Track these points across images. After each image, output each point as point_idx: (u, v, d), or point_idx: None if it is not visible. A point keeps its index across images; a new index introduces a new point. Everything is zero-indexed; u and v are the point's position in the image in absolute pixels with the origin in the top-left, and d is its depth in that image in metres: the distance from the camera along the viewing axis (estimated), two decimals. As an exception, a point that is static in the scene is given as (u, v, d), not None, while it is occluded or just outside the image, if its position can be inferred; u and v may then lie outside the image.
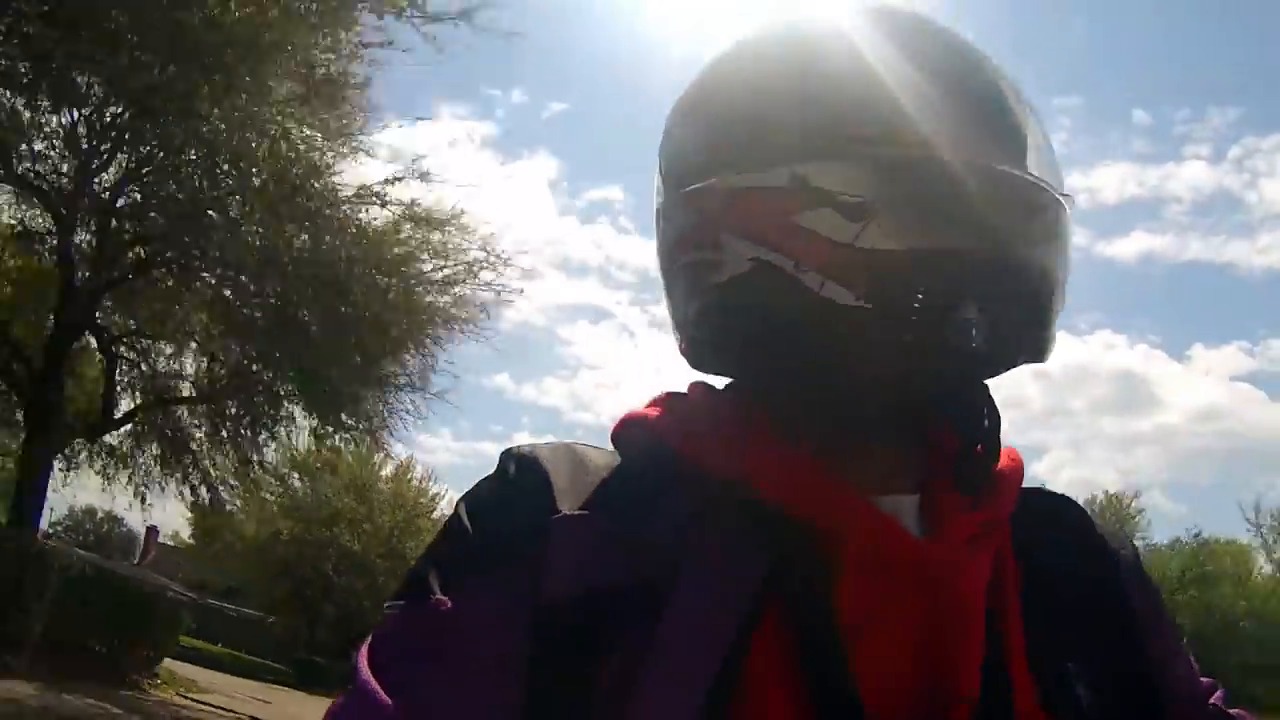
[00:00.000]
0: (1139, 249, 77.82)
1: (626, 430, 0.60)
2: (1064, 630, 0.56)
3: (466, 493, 0.58)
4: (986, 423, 0.58)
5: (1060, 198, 0.55)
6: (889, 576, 0.52)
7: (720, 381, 0.63)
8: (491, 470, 0.59)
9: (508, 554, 0.52)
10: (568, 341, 76.65)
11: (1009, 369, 0.57)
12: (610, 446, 0.61)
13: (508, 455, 0.58)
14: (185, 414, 12.50)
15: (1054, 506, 0.64)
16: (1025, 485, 0.61)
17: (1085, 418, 74.44)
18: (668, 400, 0.61)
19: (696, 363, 0.63)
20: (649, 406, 0.61)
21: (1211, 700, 0.61)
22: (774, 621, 0.51)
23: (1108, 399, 73.64)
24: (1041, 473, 71.22)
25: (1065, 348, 0.55)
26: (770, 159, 0.53)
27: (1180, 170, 75.62)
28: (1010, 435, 0.60)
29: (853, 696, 0.49)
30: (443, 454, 67.01)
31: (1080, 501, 0.65)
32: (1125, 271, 77.72)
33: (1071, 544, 0.61)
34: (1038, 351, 0.56)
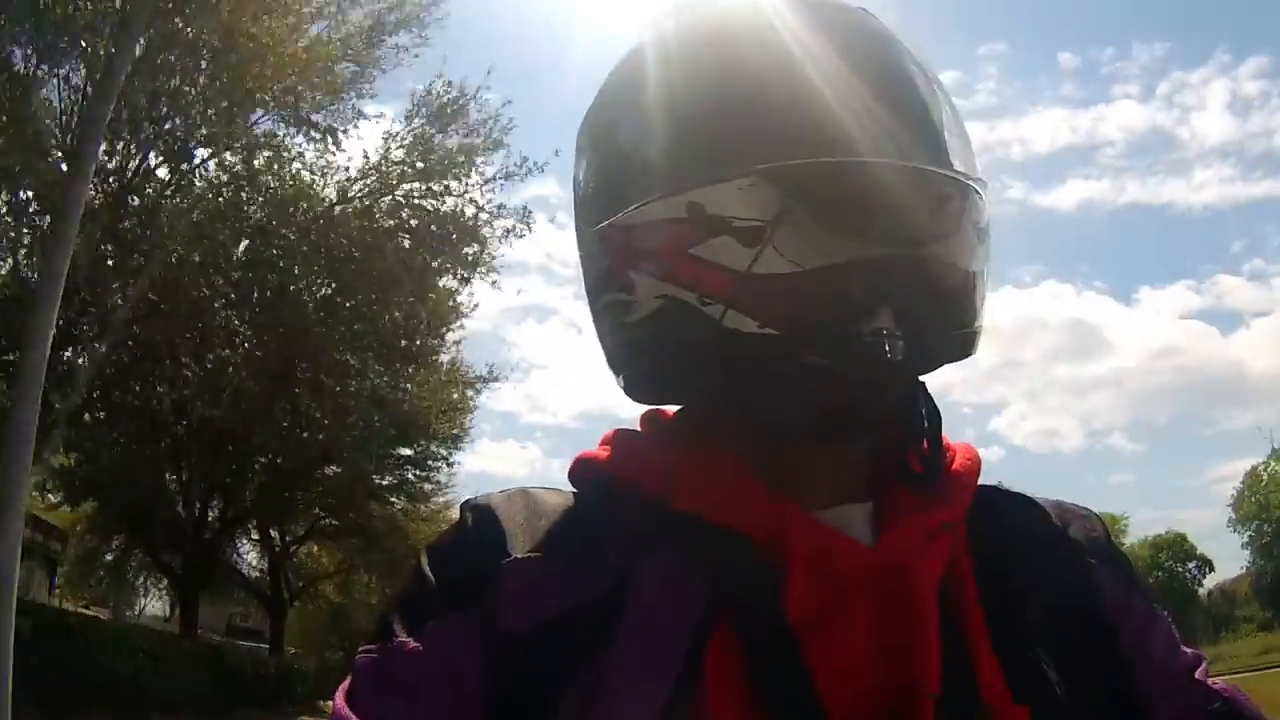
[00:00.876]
0: (1077, 197, 78.84)
1: (578, 469, 0.62)
2: (1030, 621, 0.56)
3: (429, 543, 0.61)
4: (926, 421, 0.58)
5: (971, 183, 0.53)
6: (836, 582, 0.53)
7: (672, 409, 0.64)
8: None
9: (464, 597, 0.55)
10: (515, 344, 73.84)
11: (936, 368, 0.57)
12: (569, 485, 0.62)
13: (465, 506, 0.60)
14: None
15: (1012, 504, 0.63)
16: (985, 481, 0.61)
17: (1038, 367, 74.78)
18: (616, 437, 0.63)
19: (632, 395, 0.63)
20: (601, 446, 0.63)
21: (1196, 674, 0.60)
22: (726, 632, 0.52)
23: (1060, 347, 74.88)
24: (1003, 427, 69.24)
25: (1012, 301, 1.56)
26: (665, 189, 0.52)
27: (1111, 111, 78.03)
28: (967, 392, 2.42)
29: (809, 695, 0.50)
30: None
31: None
32: (1065, 220, 78.55)
33: (1032, 537, 0.61)
34: (962, 349, 0.55)
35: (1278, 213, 75.35)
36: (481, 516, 0.58)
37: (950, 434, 0.61)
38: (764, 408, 0.55)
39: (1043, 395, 74.47)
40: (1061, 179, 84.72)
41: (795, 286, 0.50)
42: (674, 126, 0.54)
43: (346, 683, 0.55)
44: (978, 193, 0.54)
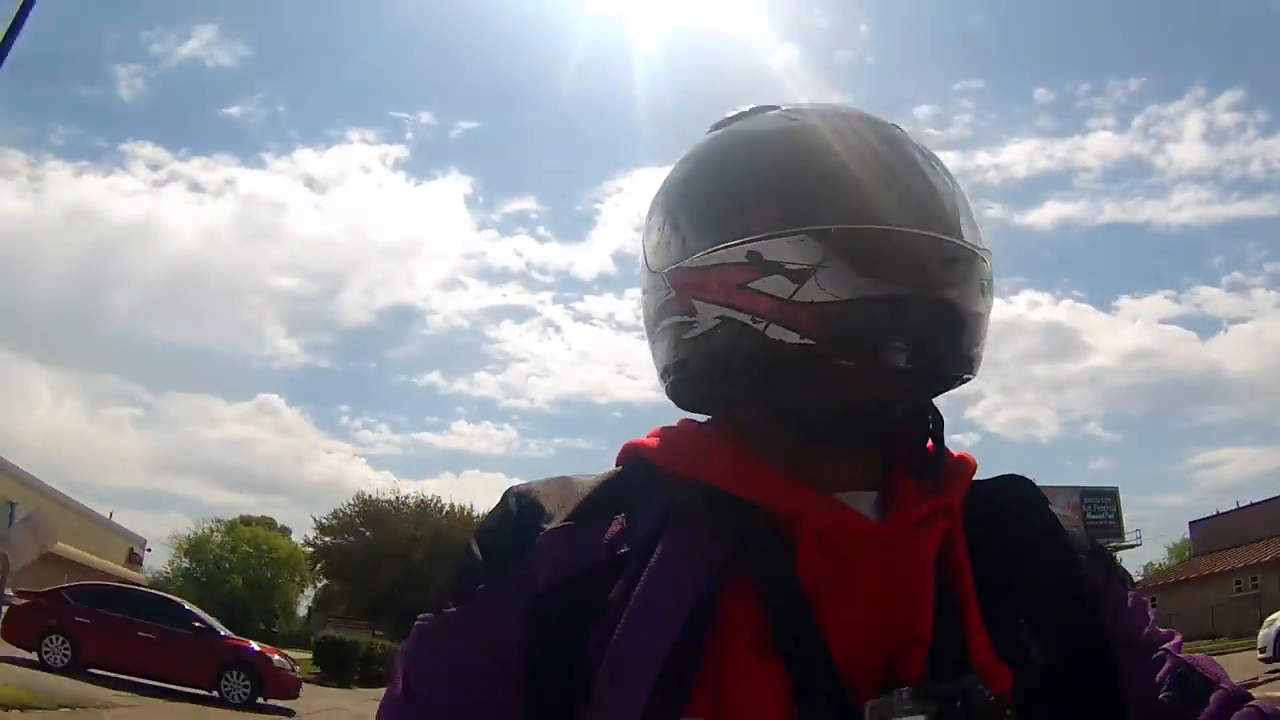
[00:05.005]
0: (1054, 216, 77.14)
1: (624, 453, 0.74)
2: (1017, 595, 0.65)
3: (477, 526, 0.70)
4: (931, 425, 0.69)
5: (976, 250, 0.65)
6: (844, 550, 0.61)
7: (703, 418, 0.75)
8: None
9: (506, 565, 0.64)
10: (495, 340, 77.63)
11: (947, 386, 0.69)
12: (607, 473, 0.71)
13: (507, 492, 0.69)
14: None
15: (1012, 491, 0.72)
16: (994, 475, 0.72)
17: (1014, 367, 72.54)
18: (660, 431, 0.73)
19: (678, 402, 0.76)
20: (649, 437, 0.73)
21: (1167, 646, 0.67)
22: (744, 588, 0.60)
23: (1036, 349, 74.21)
24: (978, 416, 68.71)
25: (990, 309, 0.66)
26: (731, 239, 0.64)
27: (1088, 142, 76.85)
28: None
29: (817, 643, 0.58)
30: (382, 446, 75.05)
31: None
32: (1043, 237, 76.61)
33: (1025, 523, 0.70)
34: (963, 366, 0.66)
35: (1256, 231, 75.35)
36: (521, 499, 0.68)
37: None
38: (796, 404, 0.65)
39: (1019, 390, 76.69)
40: (1039, 201, 79.95)
41: (830, 310, 0.61)
42: (740, 195, 0.68)
43: (405, 645, 0.67)
44: (983, 259, 0.66)
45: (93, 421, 70.19)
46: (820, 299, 0.61)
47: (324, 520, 41.50)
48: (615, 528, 0.64)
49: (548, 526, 0.65)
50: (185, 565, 45.99)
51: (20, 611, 12.77)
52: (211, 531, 47.75)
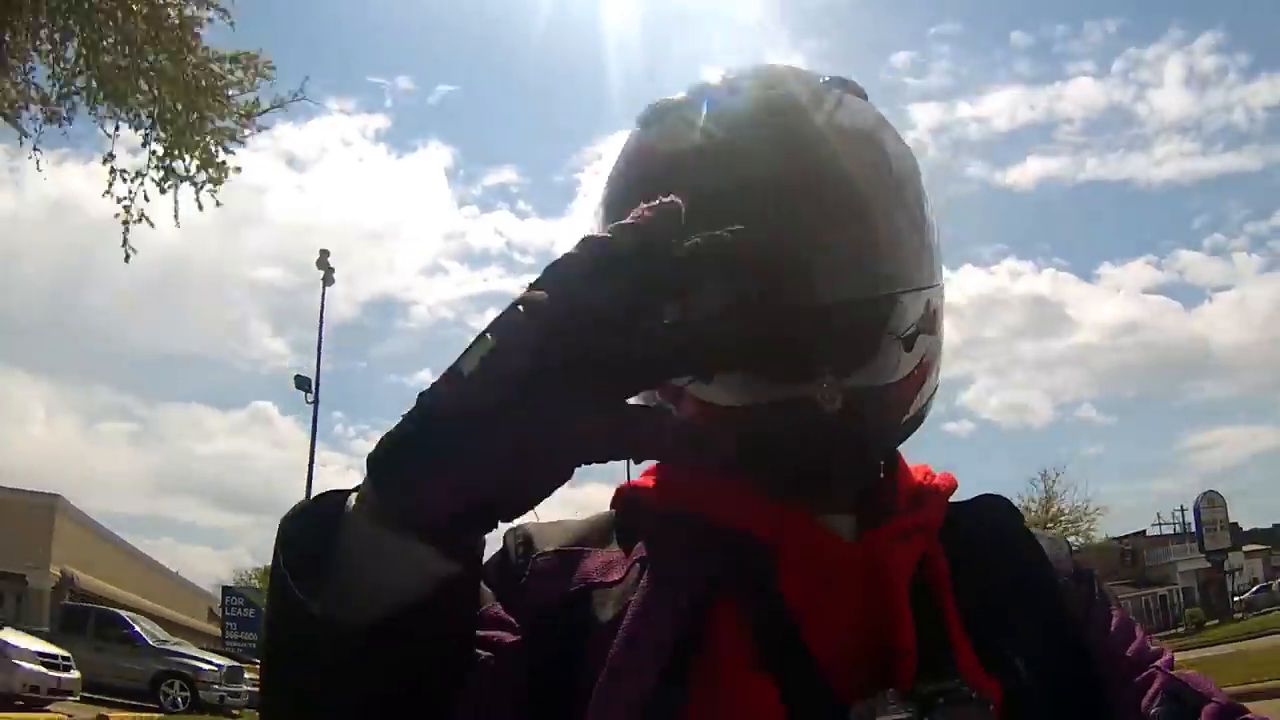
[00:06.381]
0: (1036, 174, 75.15)
1: (615, 497, 0.73)
2: (999, 610, 0.65)
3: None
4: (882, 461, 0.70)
5: (924, 290, 0.64)
6: (824, 570, 0.62)
7: None
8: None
9: (499, 596, 0.63)
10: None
11: (886, 449, 0.70)
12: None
13: (506, 533, 0.69)
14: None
15: (989, 510, 0.74)
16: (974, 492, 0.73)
17: (1002, 345, 71.37)
18: (652, 469, 0.73)
19: None
20: (642, 476, 0.73)
21: (1157, 664, 0.66)
22: (730, 609, 0.61)
23: (1021, 325, 71.99)
24: (970, 402, 66.34)
25: (971, 280, 2.06)
26: None
27: (1068, 89, 75.69)
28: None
29: (804, 655, 0.59)
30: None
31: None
32: (1024, 199, 75.57)
33: (1003, 545, 0.71)
34: (899, 437, 0.69)
35: (1237, 187, 75.75)
36: (518, 537, 0.69)
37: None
38: (747, 455, 0.63)
39: (1008, 371, 73.99)
40: (1021, 157, 78.23)
41: (717, 414, 0.63)
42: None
43: None
44: (905, 301, 0.63)
45: (88, 438, 68.18)
46: (703, 397, 0.61)
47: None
48: (604, 556, 0.66)
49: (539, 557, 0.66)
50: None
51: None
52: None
